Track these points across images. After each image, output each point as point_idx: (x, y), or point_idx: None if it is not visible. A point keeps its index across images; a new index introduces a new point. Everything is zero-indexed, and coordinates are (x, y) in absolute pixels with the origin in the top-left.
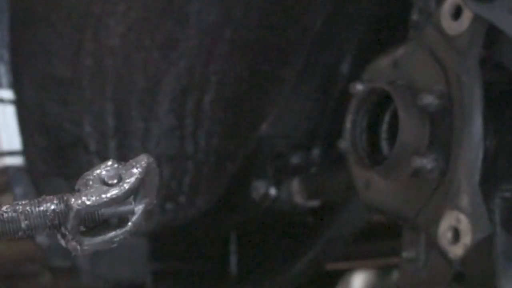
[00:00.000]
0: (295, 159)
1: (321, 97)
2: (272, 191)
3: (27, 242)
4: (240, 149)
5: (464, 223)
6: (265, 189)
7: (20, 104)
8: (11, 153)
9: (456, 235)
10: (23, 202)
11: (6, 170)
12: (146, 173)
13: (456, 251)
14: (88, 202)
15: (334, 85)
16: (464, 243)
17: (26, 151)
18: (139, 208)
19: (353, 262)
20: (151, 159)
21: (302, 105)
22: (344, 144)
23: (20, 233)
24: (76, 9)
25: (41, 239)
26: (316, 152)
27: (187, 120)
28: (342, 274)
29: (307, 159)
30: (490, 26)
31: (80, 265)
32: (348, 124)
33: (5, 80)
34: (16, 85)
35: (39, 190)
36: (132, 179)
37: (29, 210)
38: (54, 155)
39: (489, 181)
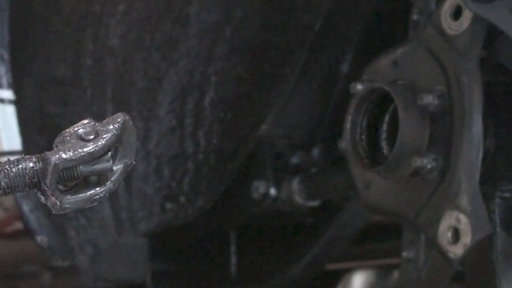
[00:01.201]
0: (295, 159)
1: (321, 97)
2: (272, 191)
3: (27, 242)
4: (240, 149)
5: (464, 223)
6: (265, 189)
7: (20, 104)
8: (11, 153)
9: (456, 235)
10: (1, 161)
11: None
12: (122, 130)
13: (456, 251)
14: (65, 156)
15: (334, 85)
16: (464, 243)
17: (26, 151)
18: (118, 168)
19: (353, 262)
20: (128, 117)
21: (302, 105)
22: (344, 144)
23: None
24: (76, 9)
25: (41, 239)
26: (316, 152)
27: (187, 120)
28: (342, 274)
29: (307, 159)
30: (490, 26)
31: (80, 265)
32: (348, 124)
33: (5, 80)
34: (16, 85)
35: None
36: (109, 135)
37: (8, 168)
38: None
39: (489, 181)
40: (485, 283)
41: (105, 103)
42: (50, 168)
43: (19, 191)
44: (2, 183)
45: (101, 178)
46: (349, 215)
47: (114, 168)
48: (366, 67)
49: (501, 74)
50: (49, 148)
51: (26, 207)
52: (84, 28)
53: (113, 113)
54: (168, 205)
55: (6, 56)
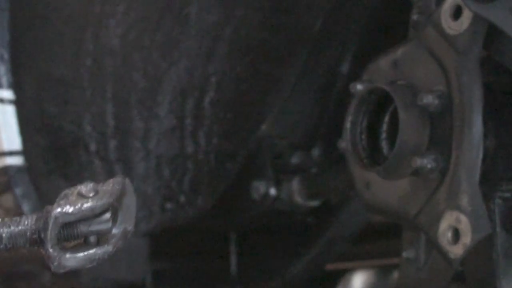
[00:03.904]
0: (295, 159)
1: (321, 97)
2: (272, 191)
3: None
4: (240, 149)
5: (464, 223)
6: (265, 189)
7: (20, 104)
8: (11, 153)
9: (456, 235)
10: (5, 218)
11: (6, 170)
12: (122, 191)
13: (456, 251)
14: (65, 210)
15: (334, 85)
16: (464, 243)
17: (26, 151)
18: (118, 231)
19: (353, 262)
20: (128, 181)
21: (302, 105)
22: (344, 144)
23: (1, 247)
24: (76, 9)
25: None
26: (316, 152)
27: (187, 120)
28: (342, 274)
29: (307, 159)
30: (490, 26)
31: None
32: (348, 124)
33: (5, 80)
34: (16, 85)
35: (39, 190)
36: (109, 193)
37: (10, 225)
38: (54, 155)
39: (489, 181)
40: (485, 283)
41: (105, 103)
42: (51, 221)
43: (20, 247)
44: (4, 239)
45: (101, 239)
46: (349, 215)
47: (114, 231)
48: (366, 67)
49: (501, 74)
50: (49, 148)
51: (26, 208)
52: (84, 28)
53: (113, 113)
54: (168, 205)
55: (6, 56)
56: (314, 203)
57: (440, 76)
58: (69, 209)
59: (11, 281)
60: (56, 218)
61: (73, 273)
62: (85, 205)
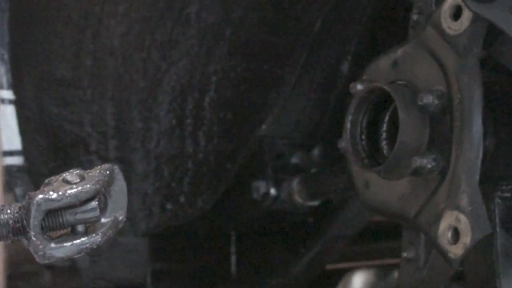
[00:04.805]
0: (295, 159)
1: (321, 97)
2: (272, 191)
3: None
4: (240, 149)
5: (464, 223)
6: (265, 189)
7: (20, 104)
8: (11, 153)
9: (456, 235)
10: None
11: (6, 170)
12: (110, 177)
13: (456, 251)
14: (48, 196)
15: (334, 85)
16: (464, 243)
17: (26, 151)
18: (108, 221)
19: (353, 262)
20: (117, 167)
21: (302, 105)
22: (344, 144)
23: None
24: (76, 9)
25: None
26: (316, 152)
27: (187, 120)
28: (342, 274)
29: (307, 159)
30: (490, 26)
31: (80, 265)
32: (348, 124)
33: (5, 80)
34: (16, 85)
35: None
36: (95, 180)
37: None
38: (54, 155)
39: (489, 181)
40: (485, 283)
41: (105, 103)
42: (33, 208)
43: (3, 237)
44: None
45: (89, 229)
46: (349, 215)
47: (104, 220)
48: (366, 67)
49: (501, 74)
50: (49, 148)
51: None
52: (84, 28)
53: (113, 113)
54: (168, 205)
55: (6, 56)
56: (314, 203)
57: (440, 76)
58: (52, 195)
59: (11, 281)
60: (38, 204)
61: (73, 273)
62: (69, 191)
